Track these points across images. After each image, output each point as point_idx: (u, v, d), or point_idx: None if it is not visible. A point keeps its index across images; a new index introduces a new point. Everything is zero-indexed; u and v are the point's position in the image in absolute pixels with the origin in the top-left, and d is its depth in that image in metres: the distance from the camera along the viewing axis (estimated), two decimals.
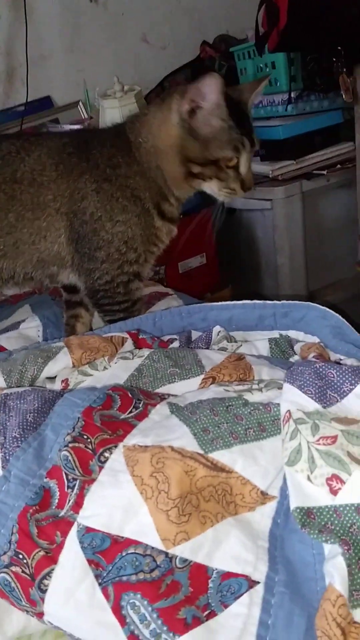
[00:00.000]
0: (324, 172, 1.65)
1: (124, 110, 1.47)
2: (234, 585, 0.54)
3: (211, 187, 1.00)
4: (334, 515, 0.55)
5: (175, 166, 0.98)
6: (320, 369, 0.66)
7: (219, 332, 0.88)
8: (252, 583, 0.54)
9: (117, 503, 0.57)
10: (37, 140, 1.02)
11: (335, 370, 0.66)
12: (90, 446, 0.62)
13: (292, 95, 1.58)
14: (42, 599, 0.54)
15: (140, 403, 0.69)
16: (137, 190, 0.99)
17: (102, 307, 1.03)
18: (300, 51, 1.52)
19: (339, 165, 1.67)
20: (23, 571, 0.56)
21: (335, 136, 1.68)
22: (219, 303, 0.91)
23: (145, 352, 0.80)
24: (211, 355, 0.80)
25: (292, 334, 0.86)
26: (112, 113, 1.47)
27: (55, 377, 0.82)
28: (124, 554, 0.55)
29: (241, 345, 0.85)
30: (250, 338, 0.88)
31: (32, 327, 1.02)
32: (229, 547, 0.56)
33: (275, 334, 0.87)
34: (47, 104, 1.78)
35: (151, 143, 0.99)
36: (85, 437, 0.63)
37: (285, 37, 1.34)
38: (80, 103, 1.76)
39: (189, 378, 0.76)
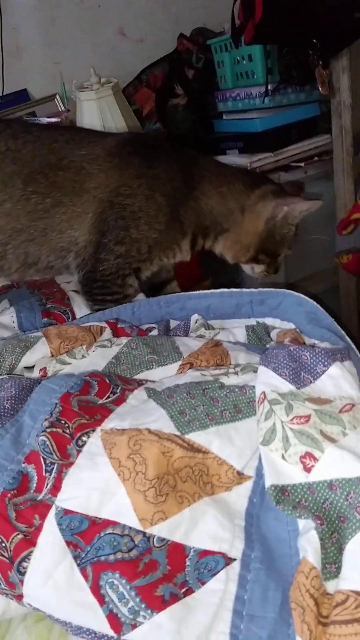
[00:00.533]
0: (302, 165, 1.66)
1: (101, 103, 1.47)
2: (211, 562, 0.55)
3: (255, 268, 1.11)
4: (308, 492, 0.56)
5: (241, 245, 1.07)
6: (294, 352, 0.67)
7: (197, 320, 0.89)
8: (229, 560, 0.55)
9: (94, 485, 0.58)
10: (87, 136, 1.06)
11: (308, 353, 0.67)
12: (68, 431, 0.63)
13: (269, 87, 1.59)
14: (21, 581, 0.55)
15: (117, 389, 0.69)
16: (184, 218, 1.03)
17: (94, 295, 1.04)
18: (276, 44, 1.53)
19: (316, 158, 1.68)
20: (2, 554, 0.56)
21: (312, 129, 1.70)
22: (197, 292, 0.92)
23: (124, 340, 0.81)
24: (189, 342, 0.81)
25: (269, 321, 0.88)
26: (89, 105, 1.46)
27: (34, 366, 0.82)
28: (102, 534, 0.56)
29: (219, 332, 0.86)
30: (227, 326, 0.89)
31: (7, 315, 1.02)
32: (206, 526, 0.57)
33: (252, 321, 0.88)
34: (23, 97, 1.77)
35: (223, 211, 1.05)
36: (62, 422, 0.63)
37: (260, 29, 1.35)
38: (58, 96, 1.76)
39: (166, 364, 0.77)
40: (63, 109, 1.75)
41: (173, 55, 1.82)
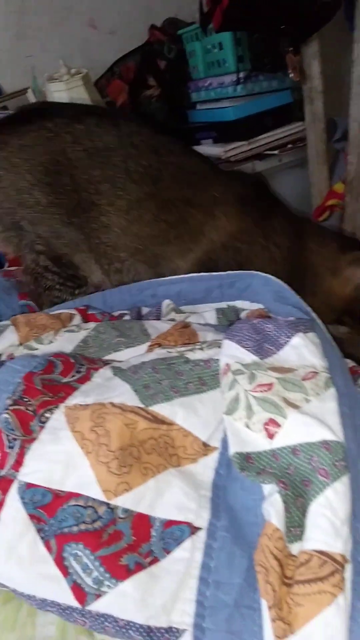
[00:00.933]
0: (276, 152, 1.66)
1: (72, 94, 1.46)
2: (177, 532, 0.55)
3: (339, 328, 1.07)
4: (272, 459, 0.56)
5: (327, 306, 1.03)
6: (258, 325, 0.68)
7: (168, 305, 0.89)
8: (194, 529, 0.55)
9: (57, 458, 0.57)
10: (221, 175, 1.08)
11: (272, 325, 0.67)
12: (31, 408, 0.62)
13: (241, 75, 1.59)
14: None
15: (82, 368, 0.69)
16: (286, 271, 1.00)
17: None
18: (245, 30, 1.53)
19: (290, 145, 1.69)
20: None
21: (286, 116, 1.70)
22: (167, 278, 0.92)
23: (92, 324, 0.81)
24: (157, 325, 0.81)
25: (239, 304, 0.87)
26: (59, 96, 1.46)
27: (1, 355, 0.82)
28: (65, 507, 0.55)
29: (189, 316, 0.86)
30: (198, 310, 0.89)
31: None
32: (171, 496, 0.57)
33: (223, 304, 0.88)
34: None
35: (316, 270, 1.04)
36: (25, 399, 0.63)
37: (228, 15, 1.35)
38: (30, 90, 1.74)
39: (134, 346, 0.76)
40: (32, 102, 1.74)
41: (145, 46, 1.82)
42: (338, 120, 1.58)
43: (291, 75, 1.53)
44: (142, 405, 0.61)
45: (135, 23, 1.88)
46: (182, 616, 0.51)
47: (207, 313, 0.87)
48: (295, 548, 0.51)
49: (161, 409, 0.61)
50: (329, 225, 1.65)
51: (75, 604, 0.52)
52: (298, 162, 1.69)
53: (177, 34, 1.73)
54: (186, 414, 0.61)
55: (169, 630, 0.51)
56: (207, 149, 1.69)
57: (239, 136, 1.64)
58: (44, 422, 0.61)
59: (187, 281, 0.91)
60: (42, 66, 1.72)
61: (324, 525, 0.51)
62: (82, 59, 1.79)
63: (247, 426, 0.58)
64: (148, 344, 0.77)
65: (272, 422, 0.57)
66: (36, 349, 0.78)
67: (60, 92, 1.44)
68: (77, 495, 0.56)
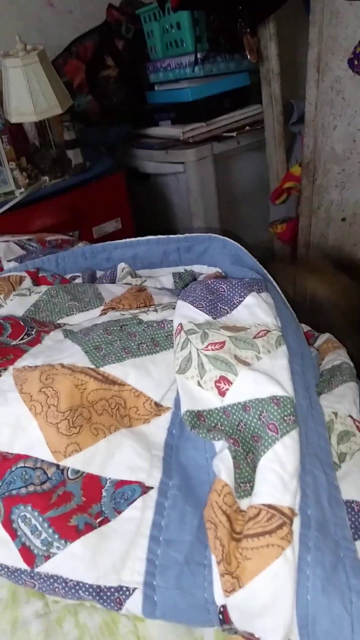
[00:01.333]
0: (234, 135, 1.67)
1: (27, 70, 1.43)
2: (128, 492, 0.54)
3: None
4: (223, 416, 0.56)
5: None
6: (212, 285, 0.67)
7: (123, 268, 0.88)
8: (146, 489, 0.54)
9: (5, 420, 0.56)
10: None
11: (226, 285, 0.67)
12: None
13: (199, 56, 1.58)
14: None
15: (33, 330, 0.67)
16: None
17: None
18: (202, 9, 1.52)
19: (248, 127, 1.69)
20: None
21: (244, 98, 1.71)
22: (123, 240, 0.90)
23: (43, 288, 0.79)
24: (112, 289, 0.80)
25: (196, 268, 0.87)
26: (14, 72, 1.42)
27: None
28: (13, 469, 0.54)
29: (145, 280, 0.85)
30: (155, 275, 0.88)
31: None
32: (123, 457, 0.56)
33: (180, 269, 0.87)
34: None
35: None
36: None
37: None
38: None
39: (87, 310, 0.75)
40: None
41: (103, 26, 1.79)
42: (295, 103, 1.59)
43: (249, 57, 1.54)
44: (92, 366, 0.60)
45: (93, 3, 1.85)
46: (133, 575, 0.50)
47: (164, 277, 0.86)
48: (245, 503, 0.51)
49: (112, 369, 0.60)
50: (286, 209, 1.67)
51: (24, 566, 0.51)
52: (256, 144, 1.70)
53: (136, 14, 1.71)
54: (138, 374, 0.60)
55: (119, 589, 0.50)
56: (166, 130, 1.69)
57: (198, 117, 1.64)
58: None
59: (143, 244, 0.89)
60: None
61: (273, 480, 0.51)
62: (39, 37, 1.75)
63: (199, 384, 0.58)
64: (101, 307, 0.75)
65: (224, 379, 0.57)
66: None
67: (15, 69, 1.40)
68: (25, 457, 0.54)
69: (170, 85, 1.70)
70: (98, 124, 1.78)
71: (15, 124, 1.44)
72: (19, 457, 0.54)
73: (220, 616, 0.47)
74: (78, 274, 0.88)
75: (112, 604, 0.50)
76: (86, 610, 0.53)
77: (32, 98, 1.38)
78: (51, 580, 0.51)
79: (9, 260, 0.94)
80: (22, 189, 1.43)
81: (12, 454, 0.55)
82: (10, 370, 0.60)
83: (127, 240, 0.90)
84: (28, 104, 1.37)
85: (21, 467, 0.54)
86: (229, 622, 0.47)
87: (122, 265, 0.87)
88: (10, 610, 0.52)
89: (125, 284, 0.84)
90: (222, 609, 0.47)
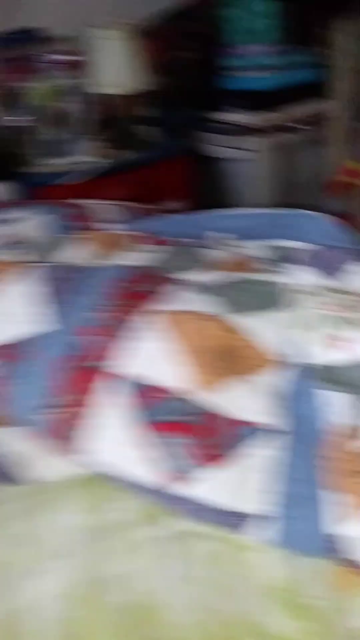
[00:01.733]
0: (304, 127, 1.70)
1: (121, 44, 1.48)
2: (247, 432, 0.59)
3: None
4: (347, 370, 0.62)
5: None
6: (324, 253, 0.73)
7: (218, 239, 0.92)
8: (268, 431, 0.60)
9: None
10: None
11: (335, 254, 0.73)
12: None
13: (277, 46, 1.62)
14: None
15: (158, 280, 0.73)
16: None
17: None
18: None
19: (314, 120, 1.73)
20: None
21: (316, 92, 1.74)
22: (219, 213, 0.97)
23: (157, 247, 0.85)
24: (214, 254, 0.85)
25: (290, 243, 0.89)
26: (110, 45, 1.47)
27: None
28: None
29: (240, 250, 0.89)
30: (247, 246, 0.92)
31: None
32: (244, 400, 0.61)
33: (272, 242, 0.90)
34: (34, 36, 1.73)
35: None
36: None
37: None
38: (75, 37, 1.73)
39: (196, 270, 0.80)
40: (79, 50, 1.72)
41: (185, 9, 1.82)
42: None
43: (323, 51, 1.57)
44: (218, 314, 0.66)
45: None
46: (254, 504, 0.56)
47: (256, 250, 0.89)
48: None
49: (237, 319, 0.65)
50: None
51: (160, 487, 0.57)
52: (319, 138, 1.74)
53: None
54: (261, 327, 0.65)
55: (242, 516, 0.56)
56: (239, 116, 1.72)
57: (270, 106, 1.67)
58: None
59: (240, 217, 0.94)
60: (84, 14, 1.70)
61: None
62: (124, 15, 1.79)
63: (321, 341, 0.63)
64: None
65: (347, 338, 0.62)
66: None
67: (112, 41, 1.45)
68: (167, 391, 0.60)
69: (245, 72, 1.73)
70: (171, 106, 1.82)
71: (100, 96, 1.49)
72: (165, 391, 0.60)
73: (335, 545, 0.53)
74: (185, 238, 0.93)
75: (234, 529, 0.55)
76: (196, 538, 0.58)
77: (124, 71, 1.42)
78: (184, 502, 0.57)
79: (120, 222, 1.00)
80: (103, 160, 1.47)
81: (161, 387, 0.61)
82: (145, 312, 0.66)
83: (223, 212, 0.96)
84: (120, 77, 1.41)
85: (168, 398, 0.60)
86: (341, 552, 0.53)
87: (216, 235, 0.91)
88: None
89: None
90: (335, 539, 0.53)
